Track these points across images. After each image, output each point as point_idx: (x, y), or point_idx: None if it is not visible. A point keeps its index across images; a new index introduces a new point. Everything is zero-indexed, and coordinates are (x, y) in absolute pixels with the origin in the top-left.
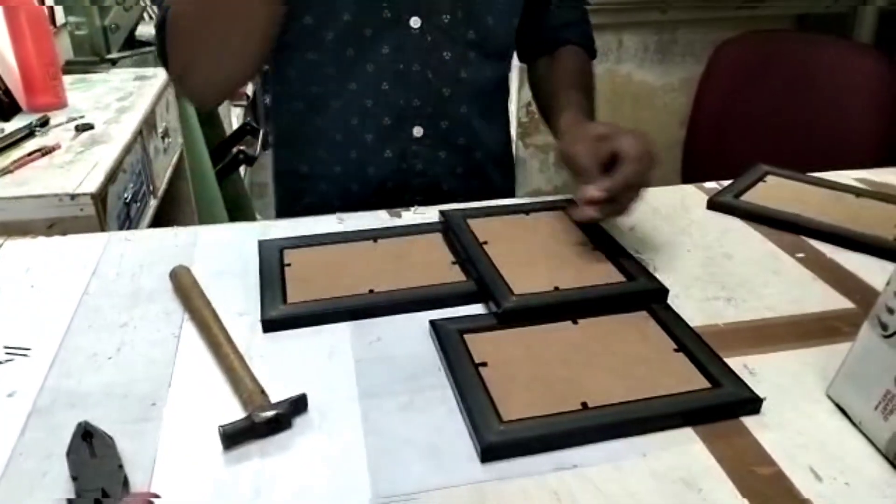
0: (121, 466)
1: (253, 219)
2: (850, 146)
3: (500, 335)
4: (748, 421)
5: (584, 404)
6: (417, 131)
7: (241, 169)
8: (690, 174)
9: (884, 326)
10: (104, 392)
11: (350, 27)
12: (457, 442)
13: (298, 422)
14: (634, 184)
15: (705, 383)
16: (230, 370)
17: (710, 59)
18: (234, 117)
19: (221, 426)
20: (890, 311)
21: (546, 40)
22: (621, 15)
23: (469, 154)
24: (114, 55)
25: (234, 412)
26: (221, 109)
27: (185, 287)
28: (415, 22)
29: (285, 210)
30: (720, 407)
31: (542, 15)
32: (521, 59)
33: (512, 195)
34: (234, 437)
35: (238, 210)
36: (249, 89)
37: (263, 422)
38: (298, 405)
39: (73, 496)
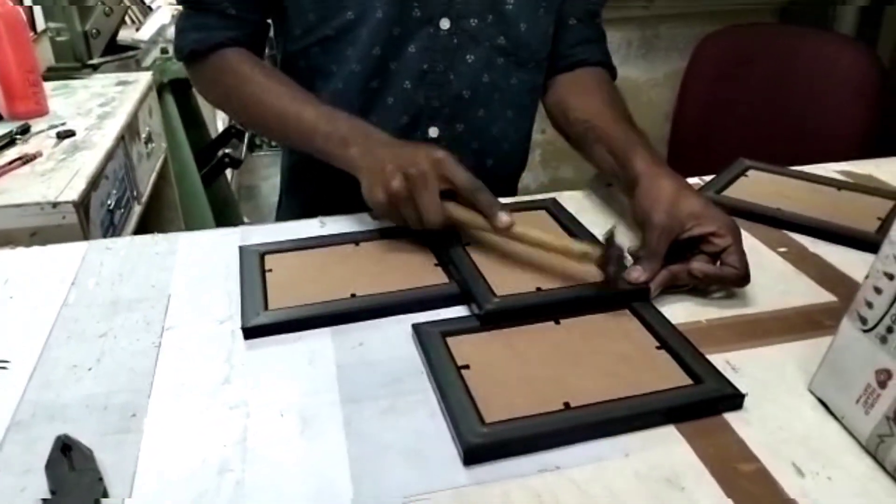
0: (100, 479)
1: (240, 222)
2: (833, 138)
3: (483, 337)
4: (730, 417)
5: (567, 404)
6: (433, 132)
7: (228, 172)
8: (676, 169)
9: (863, 320)
10: (84, 404)
11: (380, 25)
12: (440, 445)
13: (280, 429)
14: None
15: (687, 380)
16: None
17: (693, 54)
18: (219, 120)
19: None
20: (869, 305)
21: (564, 57)
22: (604, 11)
23: (480, 159)
24: (95, 60)
25: (214, 422)
26: (207, 113)
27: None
28: (444, 23)
29: (296, 206)
30: (702, 403)
31: (560, 32)
32: None
33: None
34: None
35: (225, 213)
36: None
37: None
38: None
39: None
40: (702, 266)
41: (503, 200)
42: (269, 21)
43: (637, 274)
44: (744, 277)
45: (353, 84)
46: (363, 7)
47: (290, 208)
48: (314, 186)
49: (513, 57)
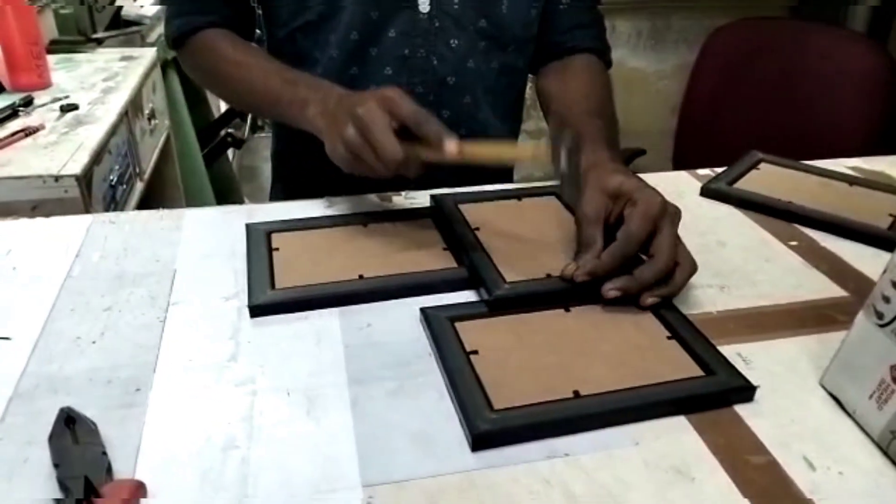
0: (104, 453)
1: (241, 202)
2: (842, 134)
3: (492, 322)
4: (741, 409)
5: (576, 392)
6: None
7: (230, 152)
8: (682, 161)
9: (879, 315)
10: (87, 377)
11: (357, 10)
12: (447, 429)
13: (286, 407)
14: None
15: (698, 371)
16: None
17: (703, 46)
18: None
19: None
20: (886, 299)
21: (555, 44)
22: None
23: None
24: (100, 34)
25: (219, 399)
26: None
27: None
28: (423, 6)
29: (283, 192)
30: (713, 395)
31: (552, 16)
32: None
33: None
34: None
35: (226, 193)
36: None
37: None
38: None
39: (54, 483)
40: (614, 285)
41: (506, 186)
42: (253, 4)
43: (571, 268)
44: (669, 268)
45: (332, 70)
46: None
47: (278, 194)
48: (298, 172)
49: (494, 40)
